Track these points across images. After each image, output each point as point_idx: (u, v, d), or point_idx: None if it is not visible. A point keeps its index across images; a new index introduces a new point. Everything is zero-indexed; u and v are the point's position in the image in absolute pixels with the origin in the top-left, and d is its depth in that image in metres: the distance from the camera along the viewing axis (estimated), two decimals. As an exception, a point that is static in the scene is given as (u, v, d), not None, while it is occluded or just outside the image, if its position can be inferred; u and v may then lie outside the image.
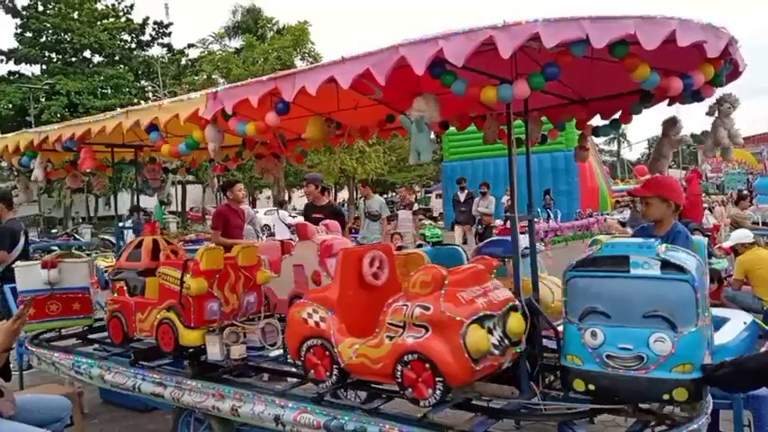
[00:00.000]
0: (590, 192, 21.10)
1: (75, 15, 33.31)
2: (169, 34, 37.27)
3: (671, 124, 3.98)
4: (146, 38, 36.78)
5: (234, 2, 40.07)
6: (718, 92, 3.42)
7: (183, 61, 37.28)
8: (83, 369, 4.70)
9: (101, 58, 35.61)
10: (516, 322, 3.17)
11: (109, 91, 33.10)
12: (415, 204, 12.02)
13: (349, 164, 27.12)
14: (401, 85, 3.72)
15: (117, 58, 35.73)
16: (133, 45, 36.71)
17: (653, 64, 2.82)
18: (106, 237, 22.07)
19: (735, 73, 3.15)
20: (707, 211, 13.40)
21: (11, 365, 3.49)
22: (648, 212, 3.91)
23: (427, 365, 2.94)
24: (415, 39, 2.76)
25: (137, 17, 36.23)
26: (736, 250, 6.90)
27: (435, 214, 31.44)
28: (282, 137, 5.27)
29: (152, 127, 3.89)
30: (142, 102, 31.69)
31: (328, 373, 3.40)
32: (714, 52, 2.71)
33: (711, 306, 3.19)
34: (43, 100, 31.71)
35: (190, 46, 36.95)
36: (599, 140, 59.00)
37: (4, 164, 7.68)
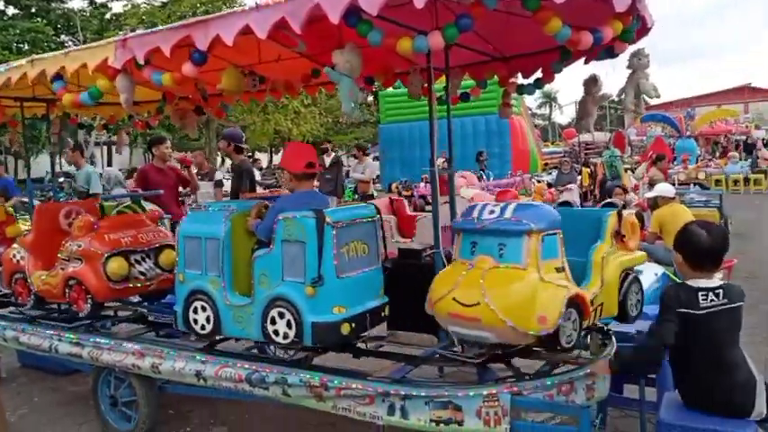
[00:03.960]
0: (521, 154, 21.54)
1: (-15, -38, 30.98)
2: (91, -14, 35.22)
3: (592, 82, 4.08)
4: (65, -11, 34.61)
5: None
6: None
7: (108, 16, 35.36)
8: (-4, 331, 4.54)
9: (15, 11, 33.33)
10: (166, 257, 4.32)
11: (26, 46, 31.06)
12: (218, 173, 8.43)
13: (283, 125, 26.63)
14: (325, 39, 3.67)
15: (33, 10, 33.51)
16: (51, -4, 34.49)
17: (565, 20, 2.88)
18: (25, 200, 20.94)
19: (644, 29, 3.25)
20: (629, 172, 13.97)
21: None
22: None
23: (82, 287, 4.10)
24: (331, -13, 2.71)
25: (54, -35, 34.01)
26: (653, 204, 7.19)
27: (373, 176, 31.56)
28: (203, 90, 5.11)
29: (58, 77, 3.69)
30: (62, 58, 29.90)
31: (29, 299, 4.56)
32: (621, 7, 2.78)
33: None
34: (-48, 54, 29.50)
35: (113, -1, 35.06)
36: (531, 104, 60.09)
37: None
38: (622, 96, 3.70)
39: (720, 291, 2.68)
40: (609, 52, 3.46)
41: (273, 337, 3.16)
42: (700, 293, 2.66)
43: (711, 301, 2.65)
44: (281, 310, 3.09)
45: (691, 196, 10.92)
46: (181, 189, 7.20)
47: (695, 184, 15.16)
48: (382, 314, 3.40)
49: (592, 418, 2.83)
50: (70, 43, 32.99)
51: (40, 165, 25.13)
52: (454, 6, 3.07)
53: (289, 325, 3.08)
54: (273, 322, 3.14)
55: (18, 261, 4.60)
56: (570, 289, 2.81)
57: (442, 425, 2.83)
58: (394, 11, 3.07)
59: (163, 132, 17.86)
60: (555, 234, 2.88)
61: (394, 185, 21.29)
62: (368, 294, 3.29)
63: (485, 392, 2.80)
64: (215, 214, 3.50)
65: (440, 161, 4.78)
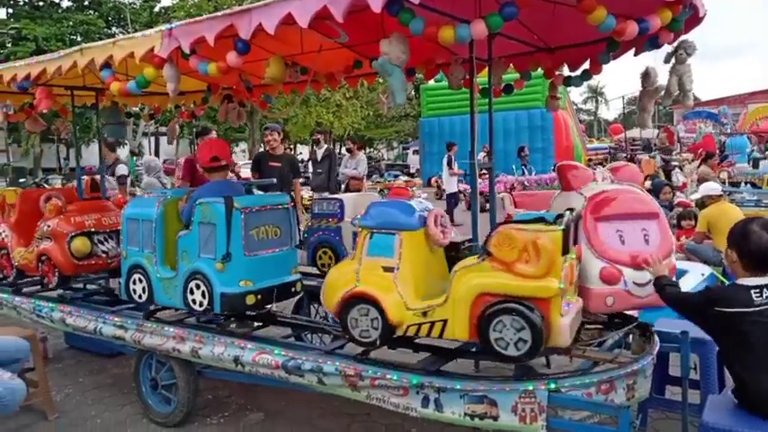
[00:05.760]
0: (565, 149, 21.20)
1: (42, -43, 32.00)
2: (141, -21, 36.02)
3: (644, 76, 3.94)
4: (116, -18, 35.51)
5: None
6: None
7: (157, 8, 36.15)
8: (44, 312, 4.69)
9: (69, 3, 34.39)
10: None
11: (78, 38, 32.00)
12: (123, 167, 7.98)
13: (325, 117, 26.75)
14: (367, 29, 3.66)
15: (86, 3, 34.52)
16: (103, -11, 35.43)
17: (612, 9, 2.79)
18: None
19: (695, 18, 3.13)
20: (677, 169, 13.57)
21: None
22: None
23: (51, 262, 4.74)
24: (373, -25, 2.68)
25: (107, -40, 34.87)
26: (701, 203, 6.99)
27: (413, 170, 31.58)
28: (248, 82, 5.17)
29: (106, 65, 3.77)
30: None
31: (11, 272, 5.17)
32: (673, -5, 2.69)
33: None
34: (9, 45, 30.58)
35: (163, -8, 35.79)
36: (576, 99, 59.05)
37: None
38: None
39: None
40: (653, 43, 3.35)
41: (192, 305, 3.71)
42: (753, 291, 2.58)
43: (767, 297, 2.56)
44: (198, 282, 3.65)
45: (742, 195, 10.58)
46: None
47: (747, 183, 14.64)
48: (293, 290, 3.94)
49: (631, 418, 2.76)
50: (120, 35, 33.79)
51: (95, 154, 25.78)
52: (498, -4, 3.02)
53: (203, 295, 3.63)
54: (192, 292, 3.69)
55: (3, 239, 5.26)
56: (357, 286, 3.02)
57: (476, 419, 2.80)
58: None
59: (208, 123, 18.17)
60: (390, 234, 3.01)
61: (433, 179, 21.23)
62: (278, 271, 3.80)
63: (521, 389, 2.75)
64: (151, 200, 4.11)
65: (481, 155, 4.75)
